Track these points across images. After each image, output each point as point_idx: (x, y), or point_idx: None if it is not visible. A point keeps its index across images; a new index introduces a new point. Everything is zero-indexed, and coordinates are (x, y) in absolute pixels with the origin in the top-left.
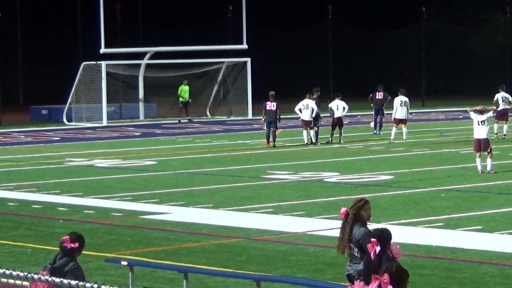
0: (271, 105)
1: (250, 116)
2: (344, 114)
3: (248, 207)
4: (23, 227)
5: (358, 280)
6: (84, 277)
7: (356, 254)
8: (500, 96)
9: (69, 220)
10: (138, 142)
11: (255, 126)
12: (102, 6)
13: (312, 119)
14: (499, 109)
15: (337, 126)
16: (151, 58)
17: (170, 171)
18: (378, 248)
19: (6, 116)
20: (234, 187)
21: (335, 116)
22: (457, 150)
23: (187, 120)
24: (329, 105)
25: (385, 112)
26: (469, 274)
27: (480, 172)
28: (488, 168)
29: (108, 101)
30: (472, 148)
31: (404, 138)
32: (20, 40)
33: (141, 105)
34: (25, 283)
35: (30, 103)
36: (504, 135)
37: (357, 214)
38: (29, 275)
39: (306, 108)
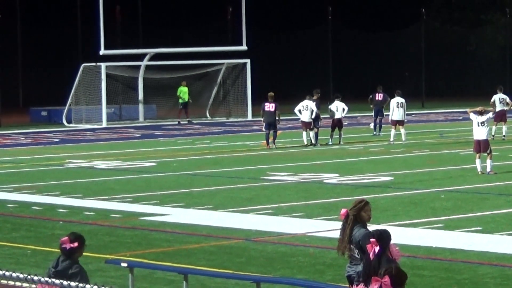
0: (269, 106)
1: (249, 117)
2: (343, 115)
3: (248, 209)
4: (23, 228)
5: (358, 284)
6: (88, 280)
7: (357, 256)
8: (497, 97)
9: (69, 221)
10: (138, 144)
11: (255, 127)
12: (102, 8)
13: (311, 120)
14: (496, 110)
15: (337, 127)
16: (151, 59)
17: (170, 173)
18: (377, 248)
19: (6, 118)
20: (234, 189)
21: (335, 117)
22: (457, 151)
23: (186, 122)
24: (329, 107)
25: (385, 113)
26: (469, 275)
27: (479, 173)
28: (488, 169)
29: (107, 103)
30: (472, 149)
31: (403, 139)
32: (20, 42)
33: (140, 106)
34: (25, 284)
35: (29, 105)
36: (504, 136)
37: (357, 215)
38: (29, 276)
39: (305, 109)
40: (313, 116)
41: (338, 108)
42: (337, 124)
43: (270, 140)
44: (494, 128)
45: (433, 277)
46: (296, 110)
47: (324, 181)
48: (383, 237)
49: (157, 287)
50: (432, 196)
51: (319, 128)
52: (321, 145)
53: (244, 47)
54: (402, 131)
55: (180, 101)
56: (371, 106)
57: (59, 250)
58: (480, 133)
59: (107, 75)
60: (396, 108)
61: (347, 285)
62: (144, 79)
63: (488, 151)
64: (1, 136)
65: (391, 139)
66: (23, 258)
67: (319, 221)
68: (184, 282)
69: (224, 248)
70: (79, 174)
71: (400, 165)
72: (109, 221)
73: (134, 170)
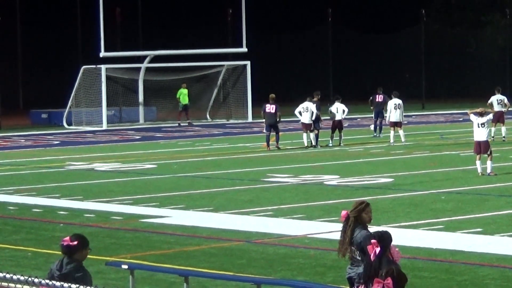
0: (270, 108)
1: (250, 119)
2: (344, 117)
3: (249, 210)
4: (24, 231)
5: (358, 285)
6: (91, 282)
7: (358, 257)
8: (495, 98)
9: (69, 223)
10: (138, 146)
11: (255, 129)
12: (102, 10)
13: (312, 122)
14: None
15: (337, 129)
16: (151, 61)
17: (170, 175)
18: (378, 249)
19: (6, 120)
20: (234, 190)
21: (335, 118)
22: (457, 152)
23: (187, 124)
24: (329, 108)
25: (385, 115)
26: (469, 277)
27: (480, 174)
28: (488, 170)
29: (108, 105)
30: (472, 151)
31: (403, 140)
32: (20, 44)
33: (141, 108)
34: (26, 287)
35: (30, 107)
36: (504, 137)
37: (358, 217)
38: (30, 279)
39: (306, 111)
40: (314, 117)
41: (338, 109)
42: (338, 125)
43: (271, 141)
44: (493, 129)
45: (433, 279)
46: (296, 112)
47: (325, 182)
48: (384, 238)
49: None
50: (433, 198)
51: (320, 130)
52: (321, 146)
53: (244, 49)
54: (401, 132)
55: (181, 104)
56: (371, 107)
57: (59, 252)
58: (480, 134)
59: (107, 77)
60: (394, 110)
61: (348, 287)
62: (144, 81)
63: (489, 152)
64: (1, 138)
65: (391, 140)
66: (24, 260)
67: (319, 223)
68: (185, 284)
69: (224, 250)
70: (80, 176)
71: (401, 166)
72: (109, 223)
73: (135, 172)
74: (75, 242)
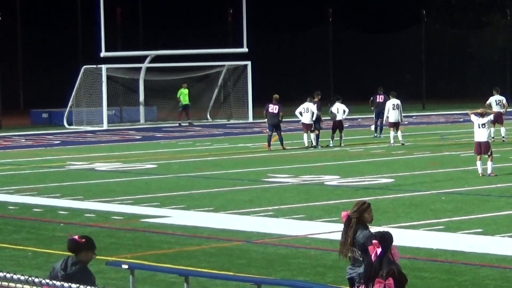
0: (273, 108)
1: (250, 119)
2: (344, 117)
3: (249, 210)
4: (24, 230)
5: (359, 286)
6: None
7: (360, 258)
8: (494, 99)
9: (70, 223)
10: (138, 146)
11: (256, 129)
12: (103, 10)
13: (312, 122)
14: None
15: (338, 129)
16: (152, 61)
17: (170, 175)
18: (379, 250)
19: (6, 120)
20: (234, 191)
21: (336, 119)
22: (457, 153)
23: (187, 124)
24: (330, 108)
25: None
26: (470, 277)
27: (480, 175)
28: (489, 171)
29: (108, 105)
30: (473, 151)
31: (400, 140)
32: (21, 44)
33: (141, 108)
34: (26, 286)
35: (30, 107)
36: (503, 137)
37: (360, 217)
38: (30, 279)
39: (306, 111)
40: (314, 118)
41: (339, 110)
42: (338, 126)
43: (272, 142)
44: (492, 130)
45: (434, 279)
46: (296, 112)
47: (325, 183)
48: (386, 239)
49: None
50: (433, 198)
51: (320, 130)
52: (322, 147)
53: (245, 49)
54: (398, 133)
55: (180, 103)
56: (372, 108)
57: (59, 252)
58: (481, 134)
59: (108, 77)
60: (392, 110)
61: (348, 287)
62: (145, 81)
63: (489, 153)
64: (1, 138)
65: (391, 141)
66: (24, 260)
67: (320, 223)
68: (185, 284)
69: (224, 250)
70: (80, 176)
71: (401, 167)
72: (110, 223)
73: (135, 172)
74: (83, 240)
